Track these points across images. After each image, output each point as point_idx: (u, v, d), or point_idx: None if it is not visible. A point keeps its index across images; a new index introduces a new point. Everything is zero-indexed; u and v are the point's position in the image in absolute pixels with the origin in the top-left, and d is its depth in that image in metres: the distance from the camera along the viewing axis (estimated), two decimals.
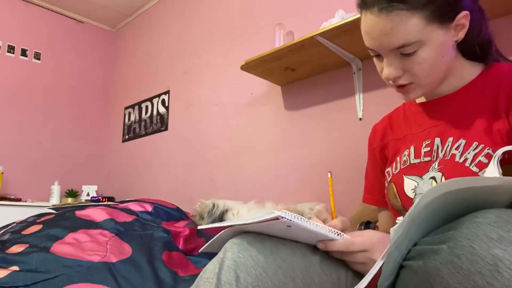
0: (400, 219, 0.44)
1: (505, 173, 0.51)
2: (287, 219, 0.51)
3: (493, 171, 0.51)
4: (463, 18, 0.67)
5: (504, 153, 0.52)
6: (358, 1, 0.70)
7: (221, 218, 1.54)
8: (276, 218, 0.51)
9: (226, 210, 1.55)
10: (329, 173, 0.74)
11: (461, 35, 0.69)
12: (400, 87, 0.72)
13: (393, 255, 0.46)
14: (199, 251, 0.66)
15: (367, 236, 0.59)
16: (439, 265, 0.42)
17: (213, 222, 1.53)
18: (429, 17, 0.64)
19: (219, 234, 0.61)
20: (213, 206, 1.56)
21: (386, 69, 0.70)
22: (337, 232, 0.58)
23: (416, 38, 0.64)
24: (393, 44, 0.66)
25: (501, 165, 0.52)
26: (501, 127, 0.65)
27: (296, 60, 1.78)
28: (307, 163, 1.91)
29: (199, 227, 0.65)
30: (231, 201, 1.60)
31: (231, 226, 0.58)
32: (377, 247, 0.57)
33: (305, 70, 1.89)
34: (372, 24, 0.67)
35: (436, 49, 0.67)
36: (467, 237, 0.41)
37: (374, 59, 0.75)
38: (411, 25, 0.64)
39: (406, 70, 0.69)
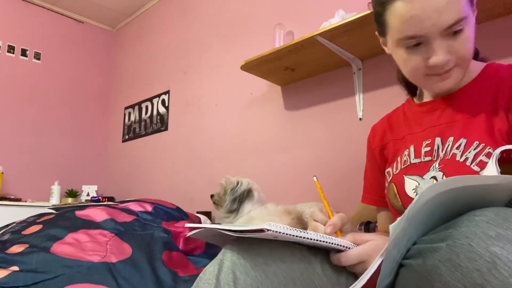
0: None
1: (504, 172, 0.51)
2: (273, 231, 0.50)
3: (491, 169, 0.51)
4: (475, 4, 0.68)
5: (502, 152, 0.52)
6: None
7: (243, 197, 1.50)
8: (261, 231, 0.50)
9: (250, 190, 1.52)
10: (314, 177, 0.74)
11: (474, 20, 0.70)
12: (445, 73, 0.69)
13: (392, 254, 0.46)
14: (188, 234, 0.65)
15: (362, 247, 0.58)
16: (437, 263, 0.42)
17: (234, 200, 1.49)
18: None
19: (211, 226, 0.60)
20: (237, 183, 1.53)
21: (438, 55, 0.66)
22: (329, 238, 0.56)
23: (465, 13, 0.64)
24: (447, 21, 0.64)
25: (499, 164, 0.52)
26: (502, 127, 0.66)
27: (296, 60, 1.78)
28: (307, 163, 1.91)
29: (188, 232, 0.64)
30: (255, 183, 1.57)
31: (219, 230, 0.57)
32: (373, 256, 0.56)
33: (305, 70, 1.89)
34: (423, 4, 0.64)
35: (472, 27, 0.67)
36: (466, 235, 0.41)
37: (406, 53, 0.70)
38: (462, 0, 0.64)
39: (454, 53, 0.67)
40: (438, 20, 0.64)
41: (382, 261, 0.46)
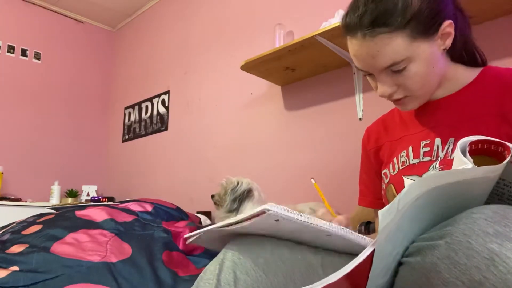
0: None
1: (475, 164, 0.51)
2: (274, 211, 0.49)
3: (462, 162, 0.50)
4: (448, 27, 0.68)
5: (470, 144, 0.52)
6: (342, 28, 0.72)
7: (243, 197, 1.50)
8: (263, 212, 0.49)
9: (250, 190, 1.52)
10: (312, 180, 0.74)
11: (448, 42, 0.70)
12: (396, 100, 0.74)
13: (385, 249, 0.45)
14: (187, 242, 0.65)
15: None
16: (436, 261, 0.42)
17: (234, 200, 1.50)
18: (412, 34, 0.65)
19: (209, 228, 0.59)
20: (237, 183, 1.53)
21: (380, 87, 0.72)
22: (330, 225, 0.55)
23: (403, 56, 0.66)
24: (382, 65, 0.68)
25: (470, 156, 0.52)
26: (509, 131, 0.65)
27: (296, 60, 1.78)
28: (307, 163, 1.91)
29: (186, 236, 0.64)
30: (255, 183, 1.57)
31: (219, 227, 0.57)
32: None
33: (305, 70, 1.89)
34: (358, 48, 0.69)
35: (425, 62, 0.68)
36: (464, 232, 0.41)
37: (368, 77, 0.76)
38: (397, 45, 0.65)
39: (400, 86, 0.70)
40: (373, 63, 0.68)
41: (373, 251, 0.44)
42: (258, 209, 0.50)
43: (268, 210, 0.49)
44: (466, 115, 0.72)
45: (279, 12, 2.16)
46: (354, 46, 0.69)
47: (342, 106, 1.82)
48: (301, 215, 0.52)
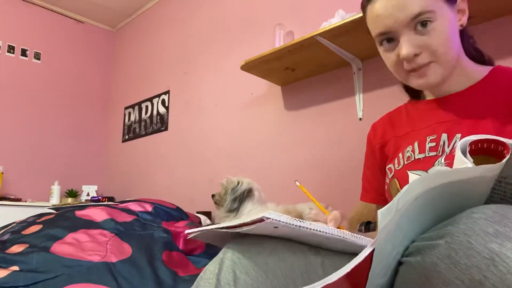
0: None
1: (476, 164, 0.51)
2: (272, 219, 0.49)
3: (462, 162, 0.50)
4: (463, 2, 0.71)
5: (471, 144, 0.52)
6: None
7: (243, 196, 1.51)
8: (262, 220, 0.50)
9: (250, 190, 1.53)
10: (296, 182, 0.75)
11: (464, 20, 0.72)
12: (419, 70, 0.71)
13: (385, 248, 0.45)
14: (187, 237, 0.65)
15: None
16: (436, 260, 0.42)
17: (234, 199, 1.51)
18: None
19: (210, 228, 0.60)
20: (238, 183, 1.54)
21: (405, 47, 0.69)
22: (329, 229, 0.55)
23: (430, 7, 0.66)
24: (410, 14, 0.67)
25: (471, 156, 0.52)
26: None
27: (296, 60, 1.78)
28: (307, 163, 1.91)
29: (187, 231, 0.64)
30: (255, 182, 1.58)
31: (218, 229, 0.57)
32: None
33: (305, 70, 1.89)
34: (384, 4, 0.69)
35: (448, 24, 0.68)
36: (464, 232, 0.41)
37: (384, 51, 0.74)
38: None
39: (425, 47, 0.69)
40: (399, 16, 0.68)
41: (373, 251, 0.43)
42: (258, 216, 0.50)
43: (267, 218, 0.49)
44: (473, 112, 0.72)
45: (279, 12, 2.16)
46: (379, 3, 0.70)
47: (342, 106, 1.82)
48: (299, 221, 0.52)
